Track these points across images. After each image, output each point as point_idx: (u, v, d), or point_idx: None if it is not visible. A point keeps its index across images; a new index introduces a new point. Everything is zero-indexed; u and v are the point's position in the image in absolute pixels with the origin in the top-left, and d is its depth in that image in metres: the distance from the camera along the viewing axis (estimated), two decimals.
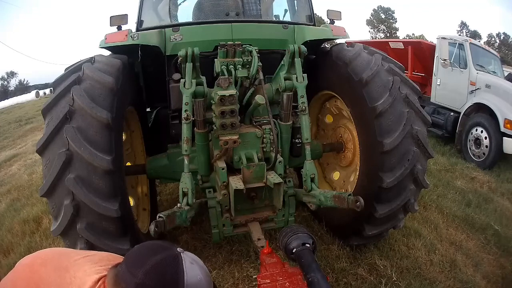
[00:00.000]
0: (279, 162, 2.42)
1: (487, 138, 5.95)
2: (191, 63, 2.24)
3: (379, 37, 47.10)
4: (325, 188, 3.40)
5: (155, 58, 2.84)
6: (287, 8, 3.71)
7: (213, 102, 2.24)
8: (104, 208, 1.96)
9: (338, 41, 3.60)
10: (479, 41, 19.30)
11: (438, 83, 7.23)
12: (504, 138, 5.68)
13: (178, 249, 0.97)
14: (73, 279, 0.98)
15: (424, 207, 4.04)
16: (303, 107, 2.41)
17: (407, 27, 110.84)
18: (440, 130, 7.15)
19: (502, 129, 5.67)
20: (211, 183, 2.61)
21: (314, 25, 3.24)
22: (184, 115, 2.21)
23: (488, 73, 6.71)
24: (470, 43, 6.82)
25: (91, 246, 2.00)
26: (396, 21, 50.38)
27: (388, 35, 47.50)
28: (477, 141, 6.17)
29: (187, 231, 3.31)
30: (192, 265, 0.94)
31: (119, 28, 2.79)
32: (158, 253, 0.93)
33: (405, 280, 2.71)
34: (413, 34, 47.63)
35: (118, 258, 1.13)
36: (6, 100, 32.80)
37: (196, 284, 0.92)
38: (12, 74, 64.41)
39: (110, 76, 2.21)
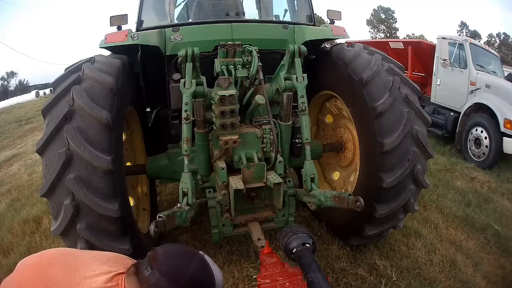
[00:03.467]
0: (279, 162, 2.42)
1: (487, 138, 5.95)
2: (191, 63, 2.23)
3: (379, 37, 47.07)
4: (325, 188, 3.40)
5: (155, 58, 2.84)
6: (287, 8, 3.71)
7: (213, 102, 2.23)
8: (104, 208, 1.96)
9: (338, 41, 3.61)
10: (479, 41, 19.30)
11: (438, 83, 7.23)
12: (504, 138, 5.68)
13: (200, 252, 1.06)
14: (82, 279, 0.99)
15: (424, 207, 4.04)
16: (303, 107, 2.40)
17: (407, 27, 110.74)
18: (440, 130, 7.14)
19: (502, 129, 5.67)
20: (211, 183, 2.61)
21: (314, 25, 3.24)
22: (184, 115, 2.21)
23: (488, 73, 6.71)
24: (470, 43, 6.82)
25: (91, 246, 2.00)
26: (396, 21, 50.39)
27: (388, 35, 47.46)
28: (477, 141, 6.17)
29: (187, 231, 3.31)
30: (214, 266, 1.06)
31: (119, 28, 2.80)
32: (191, 260, 0.99)
33: (405, 280, 2.71)
34: (413, 34, 47.59)
35: (125, 259, 1.14)
36: (6, 100, 32.82)
37: (221, 282, 1.08)
38: (12, 74, 64.52)
39: (110, 76, 2.21)
